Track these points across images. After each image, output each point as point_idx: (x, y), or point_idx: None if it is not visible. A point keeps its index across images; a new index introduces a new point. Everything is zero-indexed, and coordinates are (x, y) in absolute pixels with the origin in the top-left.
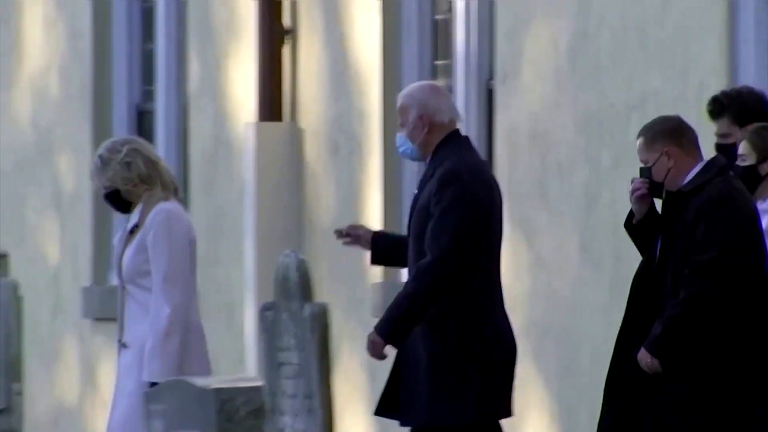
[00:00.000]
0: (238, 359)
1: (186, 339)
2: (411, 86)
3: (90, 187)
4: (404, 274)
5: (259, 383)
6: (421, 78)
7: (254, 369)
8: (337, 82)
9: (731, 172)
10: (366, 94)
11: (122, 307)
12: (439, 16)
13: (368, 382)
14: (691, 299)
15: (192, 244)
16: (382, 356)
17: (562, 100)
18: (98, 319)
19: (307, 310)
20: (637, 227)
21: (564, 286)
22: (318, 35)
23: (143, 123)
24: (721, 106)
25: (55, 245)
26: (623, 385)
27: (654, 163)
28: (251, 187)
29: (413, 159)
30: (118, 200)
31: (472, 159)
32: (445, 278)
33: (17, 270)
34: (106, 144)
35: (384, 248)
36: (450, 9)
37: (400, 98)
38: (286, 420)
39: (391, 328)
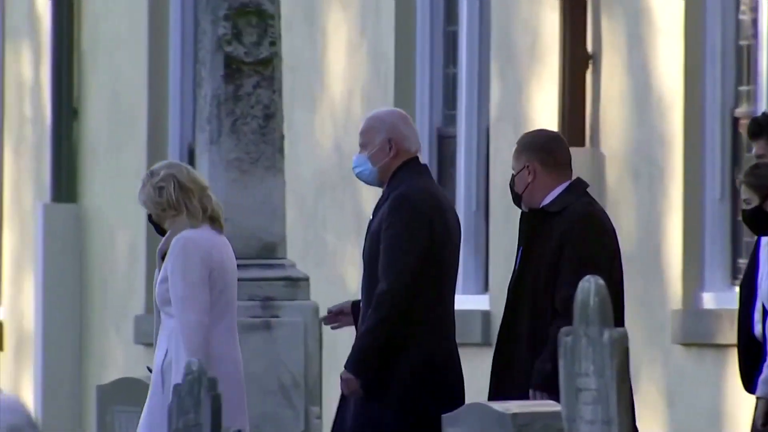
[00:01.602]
0: None
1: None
2: (378, 111)
3: None
4: (704, 299)
5: (557, 408)
6: (723, 105)
7: None
8: (639, 108)
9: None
10: (668, 119)
11: (156, 333)
12: (743, 42)
13: (667, 408)
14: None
15: (217, 271)
16: (357, 392)
17: None
18: None
19: (606, 335)
20: None
21: None
22: (620, 60)
23: (444, 147)
24: (758, 127)
25: (355, 268)
26: None
27: (517, 174)
28: None
29: (368, 182)
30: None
31: (425, 184)
32: (398, 307)
33: (317, 293)
34: (153, 166)
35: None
36: (755, 35)
37: (366, 120)
38: None
39: (359, 363)
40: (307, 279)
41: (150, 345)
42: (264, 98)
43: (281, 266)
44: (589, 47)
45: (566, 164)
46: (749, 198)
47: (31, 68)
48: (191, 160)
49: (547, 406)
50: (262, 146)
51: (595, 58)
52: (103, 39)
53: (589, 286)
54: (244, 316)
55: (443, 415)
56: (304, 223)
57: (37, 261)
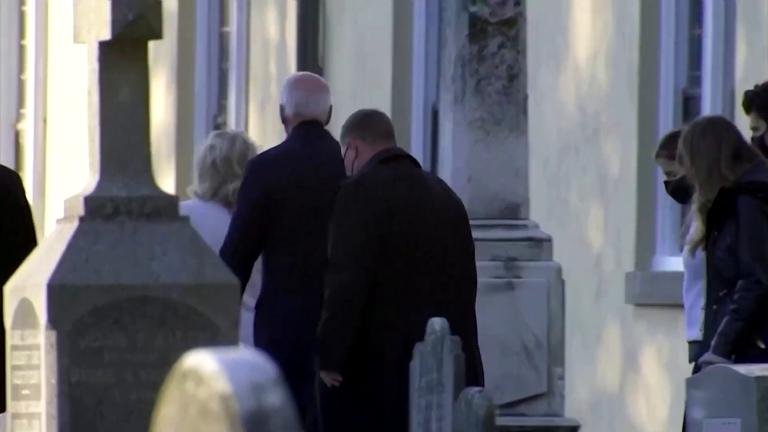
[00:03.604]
0: None
1: None
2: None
3: (635, 172)
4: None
5: None
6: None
7: None
8: None
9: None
10: None
11: None
12: None
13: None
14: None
15: None
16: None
17: None
18: (640, 305)
19: None
20: None
21: None
22: None
23: (688, 108)
24: (748, 101)
25: (599, 230)
26: None
27: (345, 157)
28: None
29: None
30: None
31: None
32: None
33: (559, 254)
34: None
35: None
36: None
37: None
38: None
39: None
40: (550, 240)
41: None
42: (508, 58)
43: (524, 227)
44: None
45: (387, 134)
46: (672, 170)
47: (277, 27)
48: (435, 121)
49: None
50: (506, 107)
51: None
52: None
53: None
54: (487, 276)
55: (686, 378)
56: (548, 184)
57: None
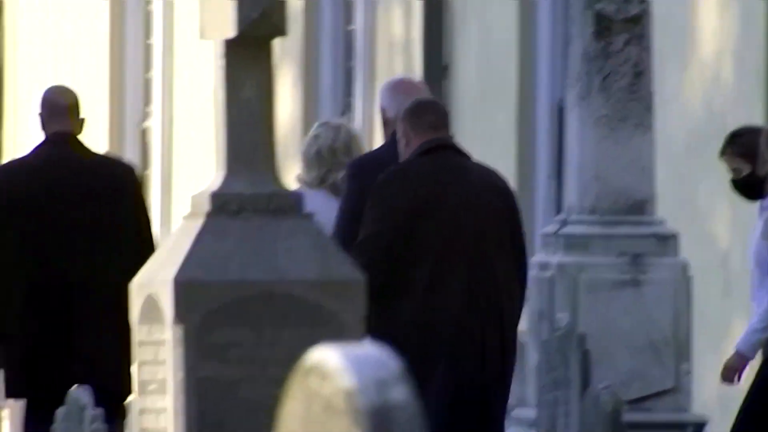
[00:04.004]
0: None
1: None
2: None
3: None
4: None
5: None
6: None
7: None
8: None
9: None
10: None
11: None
12: None
13: None
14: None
15: None
16: None
17: None
18: None
19: None
20: None
21: None
22: None
23: None
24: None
25: (726, 227)
26: None
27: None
28: None
29: None
30: None
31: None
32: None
33: (687, 250)
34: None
35: None
36: None
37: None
38: None
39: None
40: (676, 236)
41: None
42: (634, 55)
43: (650, 223)
44: None
45: (433, 124)
46: (738, 168)
47: (402, 25)
48: (560, 118)
49: None
50: (632, 104)
51: None
52: None
53: None
54: (614, 273)
55: None
56: (675, 181)
57: None
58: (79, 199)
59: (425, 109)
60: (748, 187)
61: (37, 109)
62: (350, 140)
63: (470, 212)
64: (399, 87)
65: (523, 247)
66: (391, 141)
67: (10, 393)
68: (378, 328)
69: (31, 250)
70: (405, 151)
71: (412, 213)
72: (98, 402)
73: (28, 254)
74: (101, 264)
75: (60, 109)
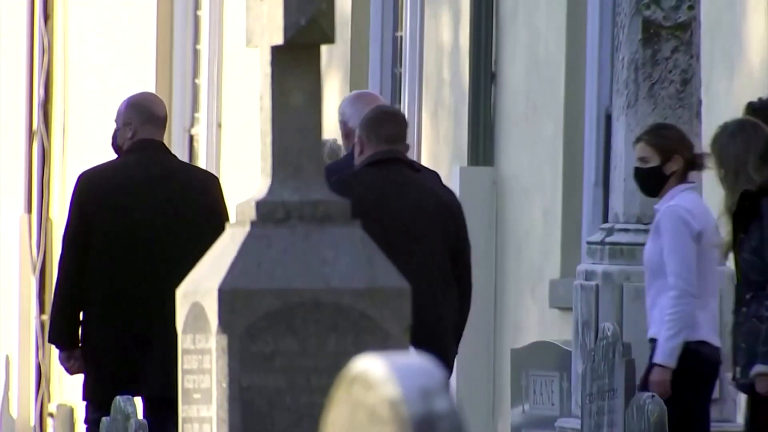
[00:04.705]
0: None
1: None
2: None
3: None
4: None
5: None
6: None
7: None
8: None
9: None
10: None
11: None
12: None
13: None
14: None
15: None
16: None
17: None
18: None
19: None
20: None
21: None
22: None
23: None
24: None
25: None
26: None
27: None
28: None
29: None
30: None
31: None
32: None
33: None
34: None
35: None
36: None
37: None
38: None
39: None
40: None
41: (565, 309)
42: (681, 62)
43: None
44: None
45: (388, 138)
46: (647, 157)
47: (450, 32)
48: (607, 125)
49: None
50: (679, 111)
51: None
52: (522, 3)
53: None
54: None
55: None
56: None
57: None
58: (168, 206)
59: (384, 120)
60: (649, 179)
61: (124, 113)
62: (332, 154)
63: (411, 225)
64: (362, 98)
65: (468, 262)
66: (352, 152)
67: (88, 396)
68: None
69: (118, 255)
70: (357, 159)
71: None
72: (160, 409)
73: (114, 259)
74: (184, 270)
75: (155, 118)
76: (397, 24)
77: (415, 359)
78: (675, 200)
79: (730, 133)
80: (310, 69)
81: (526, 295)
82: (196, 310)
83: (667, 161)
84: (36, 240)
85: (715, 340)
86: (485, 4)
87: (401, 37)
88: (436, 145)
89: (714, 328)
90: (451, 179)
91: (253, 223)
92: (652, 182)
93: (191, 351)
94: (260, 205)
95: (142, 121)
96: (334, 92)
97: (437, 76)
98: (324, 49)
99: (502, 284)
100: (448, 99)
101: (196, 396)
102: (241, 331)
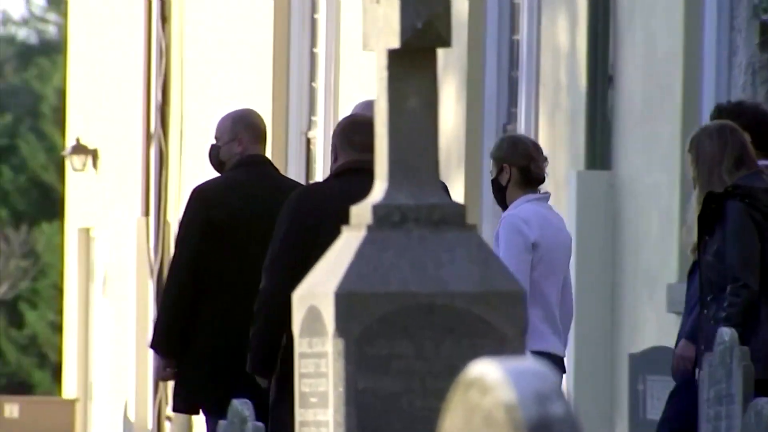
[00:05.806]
0: None
1: None
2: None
3: None
4: None
5: None
6: None
7: None
8: None
9: None
10: None
11: None
12: None
13: None
14: None
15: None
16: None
17: None
18: None
19: None
20: None
21: None
22: None
23: None
24: (718, 114)
25: None
26: None
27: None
28: None
29: None
30: None
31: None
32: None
33: None
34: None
35: None
36: None
37: None
38: None
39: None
40: None
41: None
42: None
43: None
44: None
45: (360, 146)
46: (491, 169)
47: (567, 35)
48: None
49: None
50: None
51: None
52: (638, 6)
53: None
54: None
55: None
56: None
57: (571, 228)
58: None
59: (357, 129)
60: (493, 190)
61: (231, 128)
62: None
63: None
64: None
65: None
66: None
67: (180, 407)
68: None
69: (225, 269)
70: (332, 167)
71: (314, 232)
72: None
73: (222, 272)
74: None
75: (262, 133)
76: (513, 27)
77: (530, 363)
78: (516, 210)
79: (708, 133)
80: (426, 73)
81: (643, 300)
82: (313, 314)
83: (500, 172)
84: (153, 243)
85: (557, 349)
86: (602, 7)
87: (518, 40)
88: (553, 149)
89: (557, 336)
90: (568, 183)
91: (369, 227)
92: (494, 193)
93: (308, 355)
94: (376, 208)
95: (250, 136)
96: (450, 96)
97: (554, 79)
98: (440, 52)
99: (619, 288)
100: (565, 102)
101: (313, 400)
102: (357, 335)
